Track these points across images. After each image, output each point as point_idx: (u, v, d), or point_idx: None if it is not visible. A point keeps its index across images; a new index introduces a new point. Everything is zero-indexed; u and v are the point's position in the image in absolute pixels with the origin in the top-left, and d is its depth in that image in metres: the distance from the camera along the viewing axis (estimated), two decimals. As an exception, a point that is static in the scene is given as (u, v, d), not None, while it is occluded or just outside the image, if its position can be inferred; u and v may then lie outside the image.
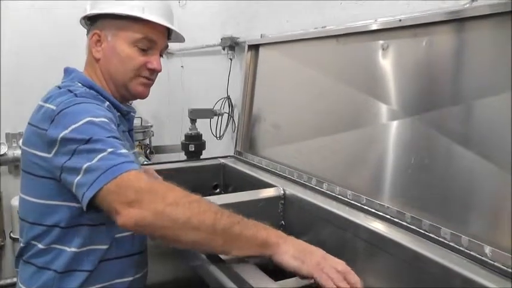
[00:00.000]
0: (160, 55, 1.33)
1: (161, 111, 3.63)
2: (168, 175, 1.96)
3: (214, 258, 1.05)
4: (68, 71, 1.32)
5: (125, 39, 1.26)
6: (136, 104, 3.71)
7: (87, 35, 1.33)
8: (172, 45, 3.51)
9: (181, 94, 3.45)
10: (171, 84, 3.62)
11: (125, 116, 1.34)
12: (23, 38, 3.13)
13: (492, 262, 1.03)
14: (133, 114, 1.39)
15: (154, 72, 1.31)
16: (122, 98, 1.33)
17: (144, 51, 1.27)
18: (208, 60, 2.99)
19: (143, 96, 1.33)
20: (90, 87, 1.25)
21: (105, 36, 1.28)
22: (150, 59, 1.28)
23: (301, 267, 1.06)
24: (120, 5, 1.25)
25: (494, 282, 0.98)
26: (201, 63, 3.14)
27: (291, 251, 1.08)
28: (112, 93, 1.30)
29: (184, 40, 1.42)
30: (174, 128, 3.26)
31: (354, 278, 1.07)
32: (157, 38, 1.29)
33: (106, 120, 1.10)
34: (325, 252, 1.13)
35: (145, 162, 2.71)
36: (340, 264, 1.08)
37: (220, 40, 2.57)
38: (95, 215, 1.08)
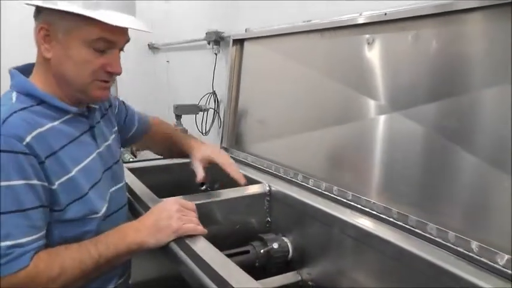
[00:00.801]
0: (121, 50, 1.17)
1: (147, 108, 3.58)
2: (154, 173, 1.95)
3: (196, 259, 1.03)
4: (11, 75, 1.16)
5: (78, 39, 1.07)
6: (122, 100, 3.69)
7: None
8: (158, 40, 3.52)
9: (167, 90, 3.42)
10: (157, 80, 3.60)
11: (83, 114, 1.20)
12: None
13: (479, 258, 1.02)
14: (95, 107, 1.25)
15: (114, 74, 1.15)
16: (77, 101, 1.18)
17: (101, 51, 1.10)
18: (193, 55, 2.96)
19: (103, 99, 1.23)
20: (28, 95, 1.10)
21: (55, 33, 1.08)
22: (109, 61, 1.12)
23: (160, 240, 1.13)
24: None
25: (480, 278, 0.97)
26: (186, 58, 3.11)
27: (146, 231, 1.13)
28: (66, 97, 1.15)
29: (151, 31, 1.20)
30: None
31: None
32: (115, 37, 1.11)
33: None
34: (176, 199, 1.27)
35: (131, 160, 2.67)
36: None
37: (205, 35, 2.54)
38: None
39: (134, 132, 1.54)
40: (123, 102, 1.53)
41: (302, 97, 1.71)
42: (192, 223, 1.16)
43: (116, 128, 1.38)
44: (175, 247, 1.10)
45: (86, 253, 1.06)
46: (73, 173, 1.09)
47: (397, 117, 1.29)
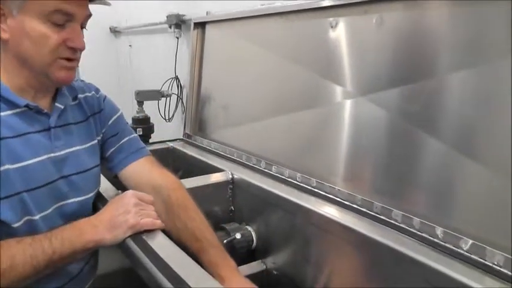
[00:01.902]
0: (83, 27, 1.07)
1: (111, 94, 3.50)
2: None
3: (152, 256, 0.97)
4: None
5: (33, 13, 0.98)
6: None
7: None
8: (119, 23, 3.42)
9: (130, 75, 3.34)
10: (120, 65, 3.50)
11: (41, 112, 1.09)
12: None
13: (443, 243, 1.01)
14: (60, 106, 1.13)
15: (77, 50, 1.05)
16: (42, 90, 1.10)
17: (60, 26, 1.00)
18: (156, 39, 2.88)
19: (68, 81, 1.09)
20: None
21: (9, 10, 0.98)
22: (70, 36, 1.02)
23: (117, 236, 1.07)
24: None
25: (444, 264, 0.96)
26: (149, 42, 3.03)
27: (102, 227, 1.07)
28: (28, 85, 1.06)
29: (109, 3, 1.13)
30: (125, 111, 3.14)
31: None
32: (73, 9, 1.01)
33: None
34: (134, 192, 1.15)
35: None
36: None
37: (166, 18, 2.46)
38: None
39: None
40: (127, 123, 1.38)
41: (265, 82, 1.67)
42: (149, 217, 1.10)
43: (99, 138, 1.27)
44: (131, 243, 1.05)
45: (39, 248, 0.99)
46: (4, 167, 1.00)
47: (361, 102, 1.25)
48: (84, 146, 1.20)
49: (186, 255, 0.98)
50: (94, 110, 1.25)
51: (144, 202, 1.14)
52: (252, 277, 1.40)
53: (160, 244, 1.03)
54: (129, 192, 1.15)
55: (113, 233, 1.06)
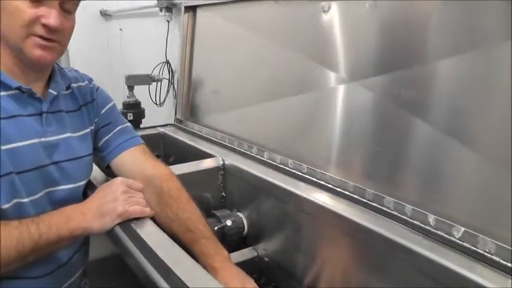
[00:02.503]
0: (67, 10, 1.04)
1: (102, 78, 3.45)
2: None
3: (140, 244, 0.96)
4: None
5: None
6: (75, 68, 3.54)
7: None
8: (110, 7, 3.37)
9: (121, 59, 3.30)
10: (111, 49, 3.46)
11: (33, 96, 1.08)
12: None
13: (435, 231, 0.99)
14: (53, 92, 1.12)
15: (52, 30, 1.00)
16: (27, 68, 1.07)
17: (37, 2, 0.97)
18: (146, 22, 2.84)
19: (43, 61, 1.04)
20: None
21: None
22: (45, 13, 0.98)
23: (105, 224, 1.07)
24: None
25: (435, 251, 0.95)
26: (140, 26, 2.99)
27: (90, 215, 1.05)
28: (15, 65, 1.05)
29: None
30: (117, 96, 3.11)
31: None
32: None
33: None
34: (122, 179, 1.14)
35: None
36: None
37: (156, 1, 2.42)
38: None
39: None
40: (120, 113, 1.36)
41: (257, 67, 1.64)
42: (138, 205, 1.09)
43: (92, 128, 1.25)
44: (119, 231, 1.03)
45: (26, 232, 0.97)
46: None
47: (354, 88, 1.23)
48: (76, 134, 1.19)
49: (174, 243, 0.96)
50: (87, 100, 1.24)
51: (133, 189, 1.12)
52: (244, 264, 1.40)
53: (149, 232, 1.02)
54: (118, 179, 1.13)
55: (101, 221, 1.05)
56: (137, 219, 1.07)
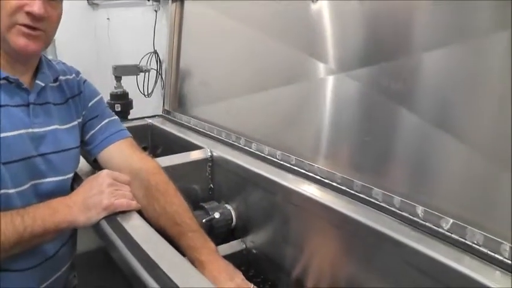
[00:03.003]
0: None
1: (90, 69, 3.41)
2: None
3: (125, 238, 0.94)
4: None
5: None
6: (62, 59, 3.50)
7: None
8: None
9: (109, 50, 3.25)
10: (98, 38, 3.41)
11: (20, 87, 1.07)
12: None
13: (424, 223, 0.99)
14: (41, 84, 1.11)
15: (36, 18, 0.99)
16: (10, 57, 1.05)
17: None
18: (134, 12, 2.80)
19: (27, 50, 1.03)
20: None
21: None
22: (28, 1, 0.97)
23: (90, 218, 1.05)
24: None
25: (424, 243, 0.94)
26: (127, 16, 2.94)
27: (76, 208, 1.04)
28: (2, 57, 1.04)
29: None
30: (104, 86, 3.07)
31: None
32: None
33: None
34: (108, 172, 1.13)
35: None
36: None
37: (143, -10, 2.39)
38: None
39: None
40: (107, 106, 1.35)
41: (245, 58, 1.62)
42: (124, 198, 1.07)
43: (80, 121, 1.24)
44: (105, 224, 1.01)
45: (10, 224, 0.96)
46: None
47: (343, 79, 1.22)
48: (63, 127, 1.17)
49: (160, 237, 0.95)
50: (74, 93, 1.22)
51: (120, 182, 1.11)
52: (232, 256, 1.40)
53: (135, 226, 1.00)
54: (104, 172, 1.11)
55: (87, 215, 1.03)
56: (123, 212, 1.05)
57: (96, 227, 1.03)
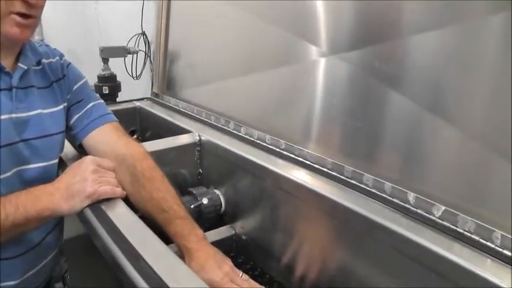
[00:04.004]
0: None
1: (78, 50, 3.36)
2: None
3: (109, 226, 0.92)
4: None
5: None
6: (48, 40, 3.43)
7: None
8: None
9: (96, 30, 3.19)
10: (87, 18, 3.35)
11: (2, 71, 1.04)
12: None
13: (415, 209, 0.97)
14: (23, 67, 1.08)
15: (31, 6, 0.97)
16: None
17: None
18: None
19: (20, 38, 1.01)
20: None
21: None
22: None
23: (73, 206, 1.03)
24: None
25: (414, 231, 0.92)
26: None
27: (59, 196, 1.01)
28: None
29: None
30: (93, 68, 3.01)
31: None
32: None
33: None
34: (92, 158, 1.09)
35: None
36: None
37: (131, -31, 2.33)
38: None
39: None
40: (92, 90, 1.32)
41: (235, 39, 1.58)
42: (109, 185, 1.04)
43: (65, 105, 1.20)
44: (88, 213, 0.99)
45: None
46: None
47: (334, 62, 1.18)
48: (48, 111, 1.14)
49: (145, 226, 0.92)
50: (58, 76, 1.19)
51: (104, 168, 1.07)
52: (221, 242, 1.38)
53: (119, 214, 0.98)
54: (87, 158, 1.08)
55: (70, 203, 1.00)
56: (108, 200, 1.02)
57: (80, 215, 1.01)
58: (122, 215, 0.97)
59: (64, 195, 1.00)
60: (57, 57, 1.21)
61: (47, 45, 1.23)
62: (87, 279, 1.38)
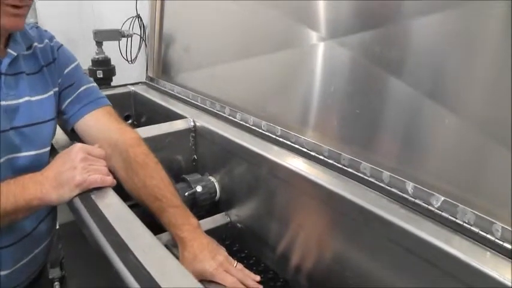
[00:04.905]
0: None
1: (72, 33, 3.30)
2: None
3: (98, 217, 0.89)
4: None
5: None
6: (42, 23, 3.38)
7: None
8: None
9: (91, 14, 3.14)
10: (81, 2, 3.30)
11: None
12: None
13: (413, 200, 0.93)
14: (12, 53, 1.05)
15: None
16: None
17: None
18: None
19: (15, 28, 1.01)
20: None
21: None
22: None
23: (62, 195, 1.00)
24: None
25: (412, 223, 0.89)
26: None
27: (47, 185, 0.99)
28: None
29: None
30: (88, 52, 2.97)
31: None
32: None
33: None
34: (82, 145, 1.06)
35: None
36: None
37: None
38: None
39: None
40: (85, 73, 1.28)
41: (232, 23, 1.54)
42: (99, 173, 1.02)
43: (56, 89, 1.17)
44: (78, 203, 0.96)
45: None
46: None
47: (332, 46, 1.14)
48: (38, 98, 1.11)
49: (136, 217, 0.89)
50: (48, 60, 1.16)
51: (93, 156, 1.04)
52: (216, 230, 1.36)
53: (109, 204, 0.95)
54: (77, 146, 1.05)
55: (59, 192, 0.98)
56: (99, 189, 1.00)
57: (69, 204, 0.99)
58: (111, 205, 0.94)
59: (53, 184, 0.98)
60: (47, 40, 1.18)
61: (38, 27, 1.19)
62: (84, 265, 1.36)
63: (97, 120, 1.20)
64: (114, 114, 1.23)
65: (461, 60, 0.87)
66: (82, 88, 1.21)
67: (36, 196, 0.97)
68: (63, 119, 1.22)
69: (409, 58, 0.97)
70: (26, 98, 1.07)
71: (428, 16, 0.92)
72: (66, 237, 1.46)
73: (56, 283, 1.76)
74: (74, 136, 1.23)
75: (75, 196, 0.97)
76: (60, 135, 1.28)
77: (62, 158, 1.03)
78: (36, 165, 1.08)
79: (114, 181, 1.04)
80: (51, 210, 1.23)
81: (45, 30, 1.21)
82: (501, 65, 0.80)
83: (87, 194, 0.98)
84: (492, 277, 0.75)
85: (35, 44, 1.14)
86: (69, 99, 1.20)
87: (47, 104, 1.13)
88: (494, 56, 0.82)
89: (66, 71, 1.20)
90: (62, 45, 1.22)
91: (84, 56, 2.88)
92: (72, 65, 1.22)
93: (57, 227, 1.35)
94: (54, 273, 1.75)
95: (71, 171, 0.98)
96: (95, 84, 1.26)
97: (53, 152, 1.18)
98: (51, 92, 1.15)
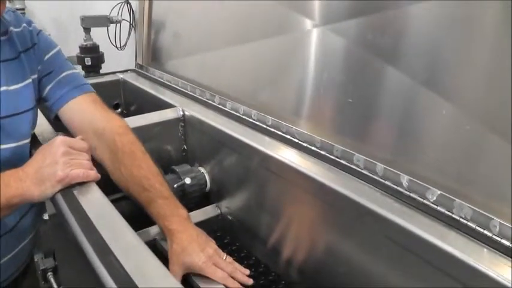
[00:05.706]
0: None
1: (62, 19, 3.24)
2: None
3: (79, 215, 0.85)
4: None
5: None
6: (31, 9, 3.31)
7: None
8: None
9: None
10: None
11: None
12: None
13: (408, 193, 0.90)
14: None
15: None
16: None
17: None
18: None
19: None
20: None
21: None
22: None
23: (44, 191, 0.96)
24: None
25: (407, 218, 0.86)
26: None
27: (29, 181, 0.95)
28: None
29: None
30: (79, 39, 2.93)
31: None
32: None
33: None
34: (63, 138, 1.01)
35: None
36: None
37: None
38: None
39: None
40: (67, 59, 1.22)
41: (222, 9, 1.49)
42: (82, 168, 0.97)
43: (35, 77, 1.12)
44: (59, 199, 0.92)
45: None
46: None
47: (325, 33, 1.10)
48: (15, 87, 1.06)
49: (119, 215, 0.85)
50: (27, 45, 1.10)
51: (76, 149, 1.00)
52: (207, 222, 1.33)
53: (91, 200, 0.91)
54: (58, 139, 1.00)
55: (41, 188, 0.93)
56: (82, 184, 0.96)
57: (52, 199, 0.95)
58: (94, 201, 0.90)
59: (34, 180, 0.94)
60: (24, 24, 1.12)
61: (14, 11, 1.14)
62: (74, 255, 1.33)
63: (81, 107, 1.15)
64: (99, 101, 1.18)
65: (459, 48, 0.83)
66: (64, 74, 1.16)
67: (17, 194, 0.93)
68: (45, 106, 1.17)
69: (404, 45, 0.93)
70: (3, 88, 1.02)
71: (424, 2, 0.87)
72: (55, 227, 1.43)
73: (50, 273, 1.73)
74: (58, 124, 1.18)
75: (58, 192, 0.93)
76: (45, 125, 1.23)
77: (42, 153, 0.98)
78: (17, 158, 1.04)
79: (98, 175, 0.99)
80: (34, 204, 1.19)
81: (22, 15, 1.16)
82: (500, 53, 0.76)
83: (69, 189, 0.94)
84: (489, 276, 0.72)
85: (11, 28, 1.08)
86: (49, 85, 1.15)
87: (25, 93, 1.08)
88: (494, 44, 0.79)
89: (46, 57, 1.15)
90: (40, 30, 1.17)
91: (75, 43, 2.84)
92: (53, 51, 1.17)
93: (47, 217, 1.32)
94: (48, 263, 1.73)
95: (52, 167, 0.94)
96: (77, 70, 1.21)
97: (37, 144, 1.13)
98: (30, 80, 1.09)
